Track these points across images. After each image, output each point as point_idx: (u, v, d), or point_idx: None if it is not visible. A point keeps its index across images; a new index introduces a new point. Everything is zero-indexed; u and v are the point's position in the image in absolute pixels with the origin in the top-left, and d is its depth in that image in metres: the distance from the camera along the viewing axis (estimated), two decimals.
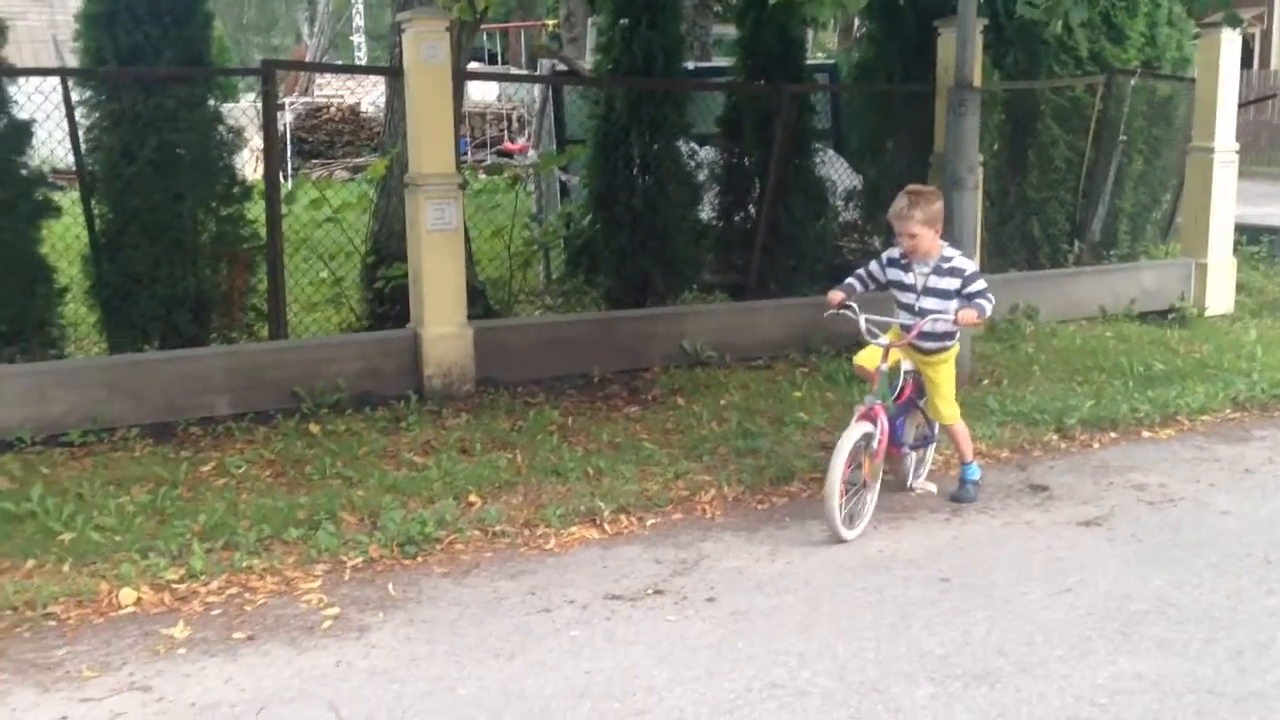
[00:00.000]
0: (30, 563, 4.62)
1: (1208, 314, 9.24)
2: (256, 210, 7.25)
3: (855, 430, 4.95)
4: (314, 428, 6.29)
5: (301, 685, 3.78)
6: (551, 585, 4.57)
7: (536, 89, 11.63)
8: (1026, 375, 7.47)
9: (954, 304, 5.14)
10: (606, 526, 5.17)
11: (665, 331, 7.82)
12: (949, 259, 5.22)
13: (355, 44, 40.98)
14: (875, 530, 5.13)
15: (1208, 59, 9.29)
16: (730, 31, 14.08)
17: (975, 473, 5.53)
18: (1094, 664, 3.87)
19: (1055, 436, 6.41)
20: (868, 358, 5.19)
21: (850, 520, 4.98)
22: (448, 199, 6.95)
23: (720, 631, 4.16)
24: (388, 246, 7.86)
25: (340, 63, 22.29)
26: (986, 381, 7.37)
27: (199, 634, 4.13)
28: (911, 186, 5.29)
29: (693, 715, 3.57)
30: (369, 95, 26.09)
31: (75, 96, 6.55)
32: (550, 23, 24.53)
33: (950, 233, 7.39)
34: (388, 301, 7.70)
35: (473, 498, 5.41)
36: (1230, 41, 9.17)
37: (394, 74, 7.45)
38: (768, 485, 5.67)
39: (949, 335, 5.29)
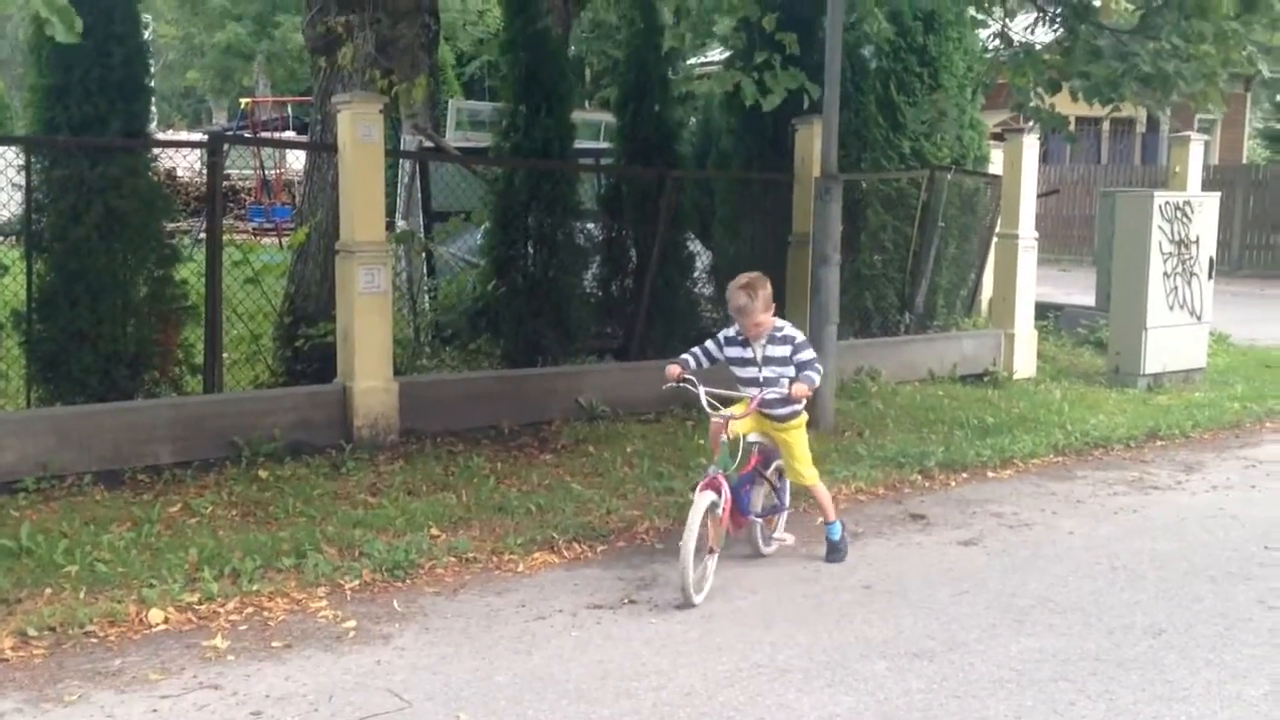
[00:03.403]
0: (47, 591, 4.92)
1: (1016, 377, 10.66)
2: (183, 272, 7.63)
3: (702, 500, 5.15)
4: (263, 473, 6.69)
5: (356, 679, 4.29)
6: (536, 599, 5.20)
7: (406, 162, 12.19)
8: (882, 427, 8.56)
9: (790, 370, 5.45)
10: (565, 552, 5.84)
11: (564, 388, 8.54)
12: (780, 328, 5.52)
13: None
14: (793, 552, 5.99)
15: (1012, 159, 10.83)
16: (589, 117, 15.15)
17: (837, 532, 5.81)
18: (1003, 643, 4.80)
19: (919, 476, 7.47)
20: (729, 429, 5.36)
21: (697, 585, 5.14)
22: (378, 264, 7.51)
23: (698, 629, 4.89)
24: (304, 308, 8.32)
25: (279, 136, 22.20)
26: (849, 432, 8.40)
27: (239, 644, 4.57)
28: (742, 280, 5.47)
29: (701, 689, 4.29)
30: (186, 160, 25.91)
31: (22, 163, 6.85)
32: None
33: (817, 301, 8.53)
34: (305, 359, 8.13)
35: (434, 531, 5.97)
36: (1030, 145, 10.75)
37: (329, 150, 7.97)
38: None
39: (796, 401, 5.48)
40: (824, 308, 8.49)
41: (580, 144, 13.32)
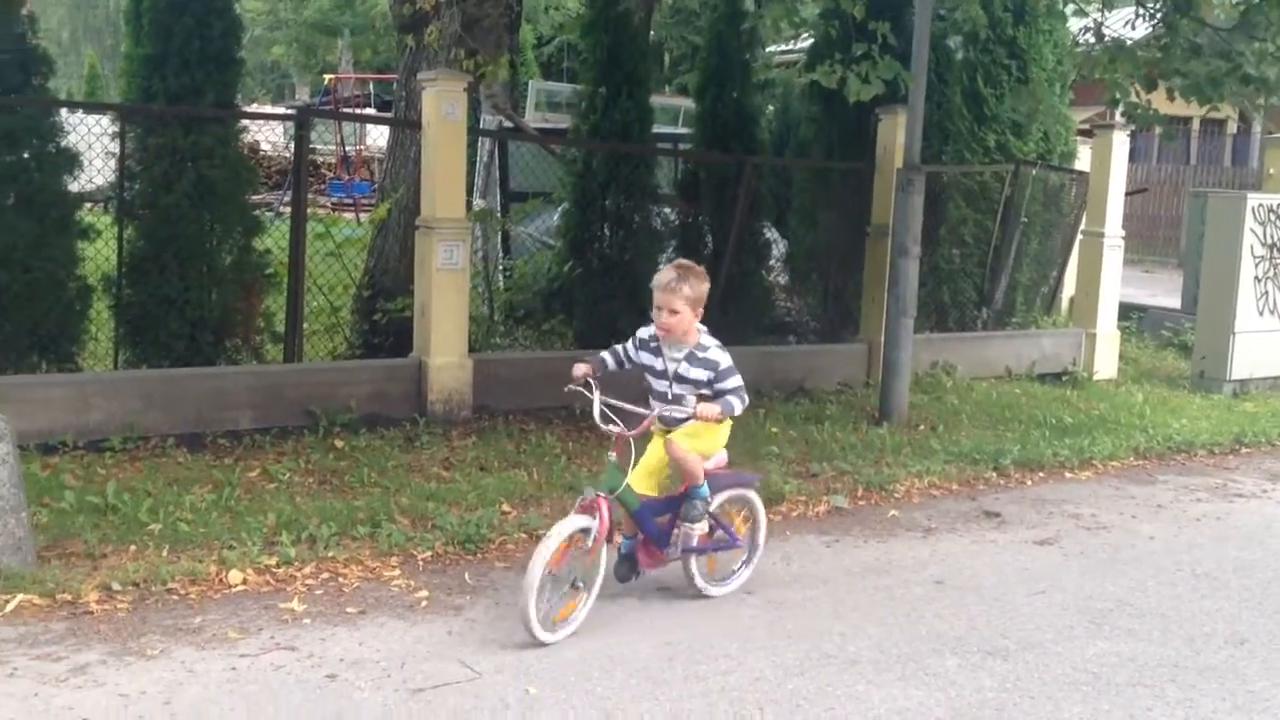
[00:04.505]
0: (132, 548, 5.04)
1: (1096, 378, 10.45)
2: (266, 242, 7.77)
3: (564, 525, 4.42)
4: (339, 443, 6.79)
5: (428, 648, 4.33)
6: (606, 582, 5.18)
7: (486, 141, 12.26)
8: (956, 422, 8.45)
9: (701, 392, 4.71)
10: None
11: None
12: (705, 348, 4.71)
13: None
14: (865, 543, 5.94)
15: (1101, 155, 10.60)
16: (666, 102, 15.12)
17: (702, 494, 4.81)
18: (1079, 645, 4.71)
19: (994, 474, 7.35)
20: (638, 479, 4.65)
21: (555, 623, 4.42)
22: (457, 241, 7.57)
23: (767, 616, 4.87)
24: (382, 282, 8.41)
25: (365, 112, 22.58)
26: (922, 426, 8.31)
27: (315, 608, 4.64)
28: (680, 261, 4.84)
29: (770, 675, 4.27)
30: (267, 134, 26.43)
31: (116, 130, 7.01)
32: None
33: (895, 293, 8.42)
34: (382, 333, 8.23)
35: (505, 507, 6.01)
36: (1120, 142, 10.52)
37: (412, 126, 8.05)
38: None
39: (701, 420, 4.62)
40: (902, 300, 8.40)
41: (657, 129, 13.31)
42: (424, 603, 4.79)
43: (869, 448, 7.59)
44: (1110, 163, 10.50)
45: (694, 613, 4.86)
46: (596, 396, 4.56)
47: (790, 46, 20.72)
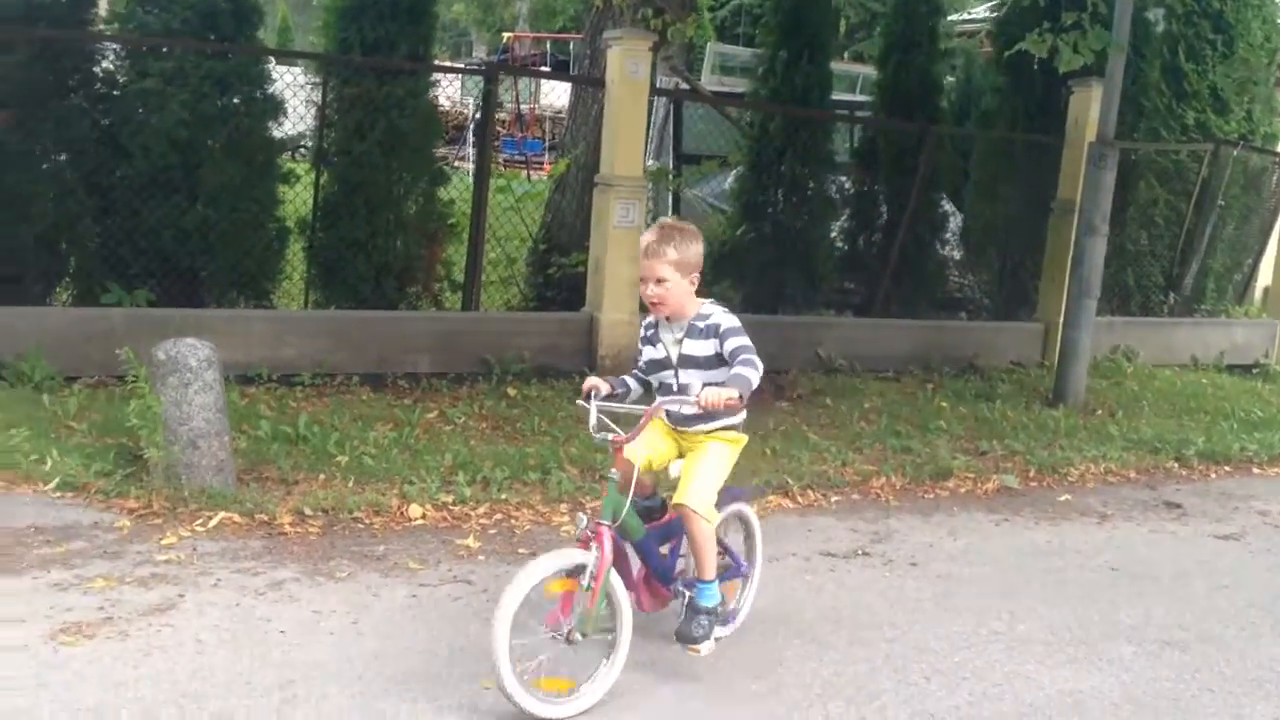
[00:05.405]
0: (321, 477, 5.30)
1: None
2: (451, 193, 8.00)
3: (549, 562, 3.50)
4: (511, 391, 6.98)
5: None
6: (768, 541, 5.13)
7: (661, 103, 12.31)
8: (1136, 409, 8.15)
9: (715, 374, 3.71)
10: (799, 499, 5.85)
11: (804, 338, 8.51)
12: (706, 316, 3.75)
13: None
14: (1036, 525, 5.80)
15: None
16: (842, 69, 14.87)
17: (712, 597, 3.79)
18: (1264, 644, 4.51)
19: (1175, 464, 7.08)
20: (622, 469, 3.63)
21: (546, 690, 3.47)
22: (634, 199, 7.64)
23: (933, 589, 4.82)
24: (558, 237, 8.57)
25: (547, 69, 23.01)
26: (1100, 411, 8.04)
27: (489, 546, 4.81)
28: (664, 220, 4.18)
29: (934, 647, 4.23)
30: (444, 91, 27.11)
31: (312, 79, 7.32)
32: None
33: (1078, 273, 8.14)
34: (555, 286, 8.40)
35: None
36: None
37: (596, 84, 8.15)
38: (928, 480, 6.35)
39: (713, 413, 3.67)
40: (1085, 280, 8.13)
41: (834, 96, 13.12)
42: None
43: (1042, 429, 7.40)
44: None
45: (858, 579, 4.84)
46: (593, 405, 3.69)
47: (970, 15, 20.10)
